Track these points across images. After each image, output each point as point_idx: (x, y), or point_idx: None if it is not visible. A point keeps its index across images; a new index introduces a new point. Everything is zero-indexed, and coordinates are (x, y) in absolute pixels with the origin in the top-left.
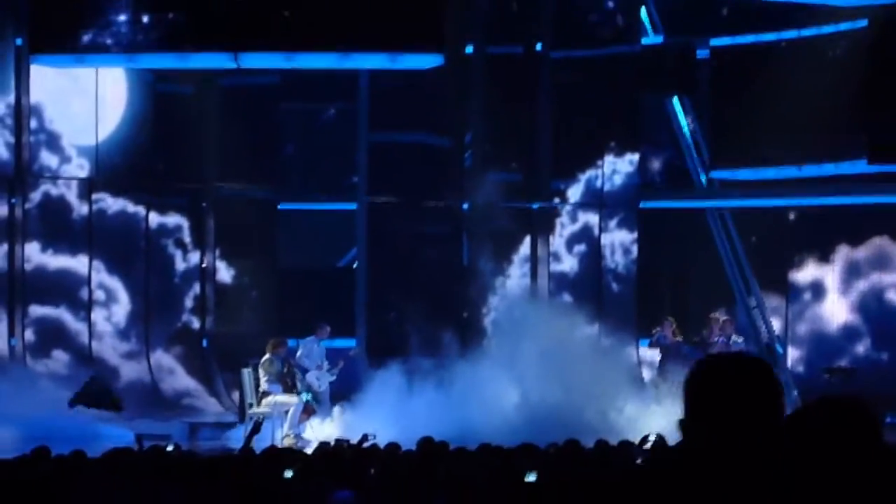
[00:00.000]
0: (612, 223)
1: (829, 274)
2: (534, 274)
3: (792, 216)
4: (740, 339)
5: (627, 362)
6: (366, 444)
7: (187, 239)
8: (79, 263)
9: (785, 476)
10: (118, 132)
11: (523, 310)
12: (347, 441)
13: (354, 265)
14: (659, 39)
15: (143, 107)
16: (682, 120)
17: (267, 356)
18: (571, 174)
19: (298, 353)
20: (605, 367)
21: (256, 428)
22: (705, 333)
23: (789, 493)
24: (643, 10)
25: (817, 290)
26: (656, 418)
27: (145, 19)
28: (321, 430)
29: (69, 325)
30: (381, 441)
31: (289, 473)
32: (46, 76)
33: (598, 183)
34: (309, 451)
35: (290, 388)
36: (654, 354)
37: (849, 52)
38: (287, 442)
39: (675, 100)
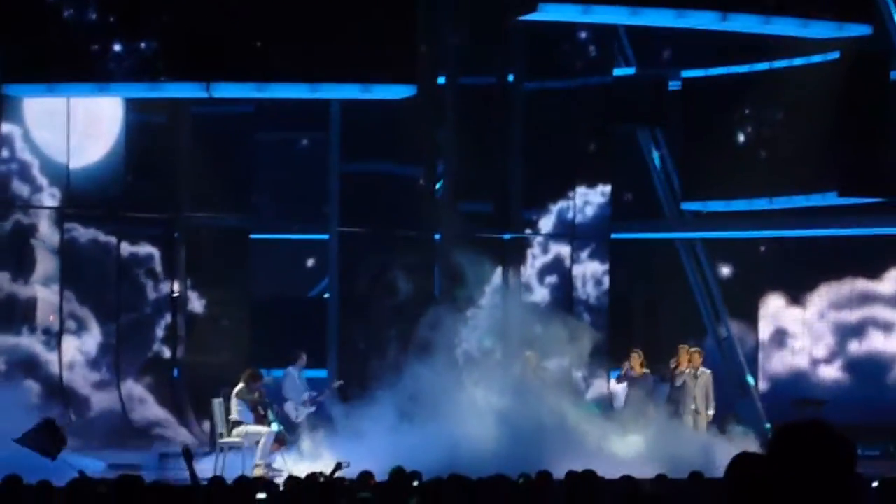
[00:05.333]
0: (584, 254)
1: (798, 305)
2: (505, 304)
3: (763, 248)
4: (707, 371)
5: (597, 393)
6: (340, 472)
7: (159, 269)
8: (49, 293)
9: None
10: (97, 161)
11: (496, 340)
12: (321, 473)
13: (326, 295)
14: (631, 71)
15: (116, 136)
16: (654, 151)
17: (241, 386)
18: (543, 205)
19: (284, 385)
20: (575, 397)
21: (187, 455)
22: (673, 364)
23: None
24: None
25: (787, 321)
26: (623, 448)
27: (117, 48)
28: (293, 462)
29: (40, 354)
30: (354, 471)
31: (262, 495)
32: (19, 105)
33: (570, 214)
34: (280, 481)
35: (261, 419)
36: (622, 387)
37: (820, 84)
38: (258, 472)
39: (647, 131)
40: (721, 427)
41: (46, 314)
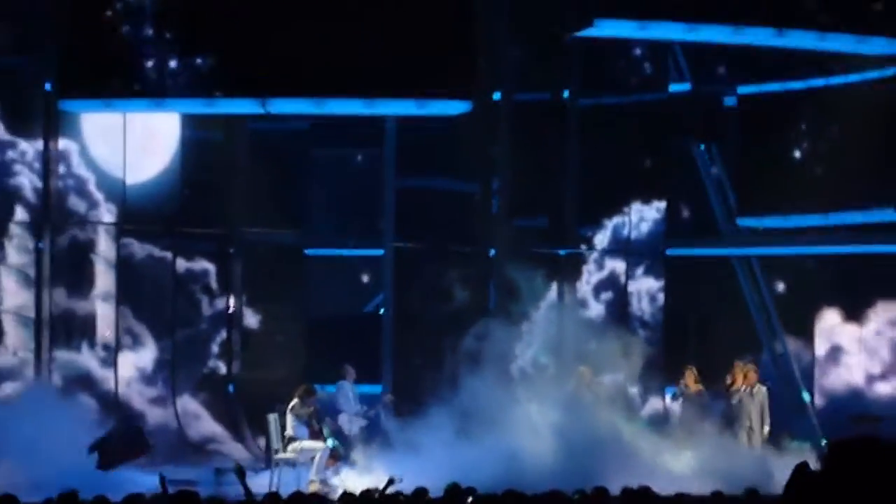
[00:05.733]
0: (639, 270)
1: (855, 321)
2: (560, 320)
3: (819, 264)
4: (763, 388)
5: (653, 409)
6: (392, 487)
7: (214, 284)
8: (106, 308)
9: None
10: (154, 177)
11: (550, 355)
12: (376, 489)
13: (381, 311)
14: (686, 87)
15: (172, 152)
16: (709, 167)
17: (295, 401)
18: (598, 221)
19: (338, 399)
20: (630, 413)
21: (240, 473)
22: (728, 381)
23: None
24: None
25: (844, 337)
26: (678, 464)
27: (173, 65)
28: (347, 477)
29: (96, 370)
30: (408, 486)
31: None
32: (76, 120)
33: (625, 230)
34: (335, 497)
35: (316, 434)
36: (677, 404)
37: (877, 99)
38: (313, 488)
39: (703, 147)
40: (777, 443)
41: (102, 330)
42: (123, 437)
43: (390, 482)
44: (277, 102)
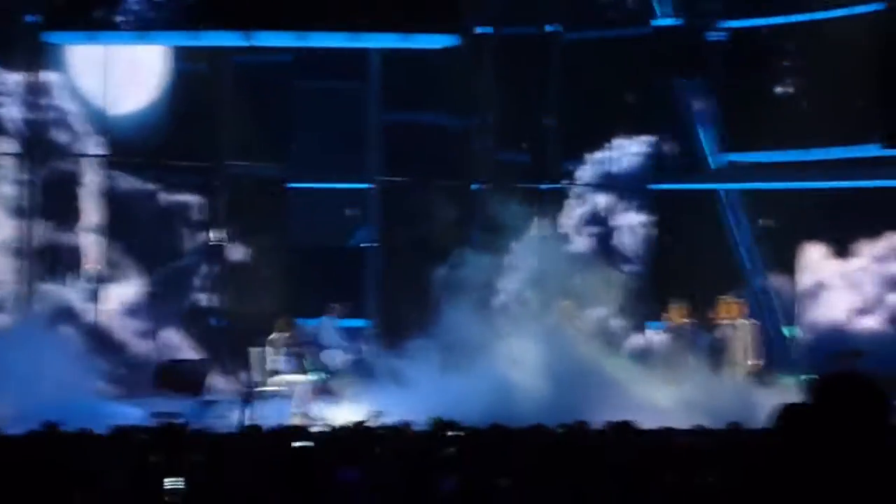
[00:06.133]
0: (623, 205)
1: (839, 257)
2: (542, 255)
3: (804, 199)
4: (748, 323)
5: (637, 344)
6: (372, 421)
7: (199, 217)
8: (90, 241)
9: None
10: (138, 110)
11: (533, 290)
12: (357, 423)
13: (364, 245)
14: (671, 21)
15: (158, 84)
16: (694, 102)
17: (277, 334)
18: (582, 156)
19: (320, 334)
20: (613, 348)
21: (246, 400)
22: (713, 316)
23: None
24: None
25: (828, 273)
26: (662, 398)
27: None
28: (331, 410)
29: (80, 302)
30: (393, 420)
31: (299, 444)
32: (62, 52)
33: (609, 165)
34: (316, 429)
35: (298, 367)
36: (663, 338)
37: (863, 35)
38: (295, 420)
39: (687, 82)
40: (760, 378)
41: (87, 262)
42: (190, 372)
43: (370, 416)
44: (262, 35)
